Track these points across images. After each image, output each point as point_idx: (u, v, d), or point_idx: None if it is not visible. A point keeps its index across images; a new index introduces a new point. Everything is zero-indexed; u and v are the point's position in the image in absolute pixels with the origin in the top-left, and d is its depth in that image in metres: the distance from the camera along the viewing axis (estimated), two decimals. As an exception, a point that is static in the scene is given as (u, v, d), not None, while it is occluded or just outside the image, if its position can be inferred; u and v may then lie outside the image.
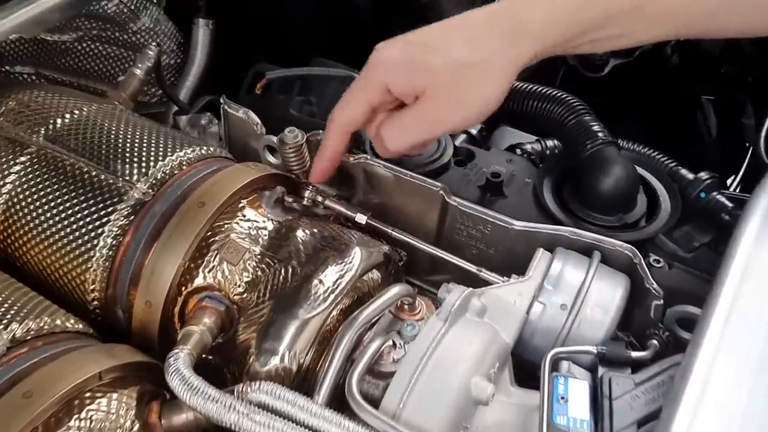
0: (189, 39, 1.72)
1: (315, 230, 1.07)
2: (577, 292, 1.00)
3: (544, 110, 1.25)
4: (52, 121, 1.17)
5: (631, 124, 1.82)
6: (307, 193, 1.16)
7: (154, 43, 1.39)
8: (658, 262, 1.15)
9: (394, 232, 1.14)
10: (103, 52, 1.66)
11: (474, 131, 1.38)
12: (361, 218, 1.15)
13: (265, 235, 1.05)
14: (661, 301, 1.02)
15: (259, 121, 1.28)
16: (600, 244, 1.07)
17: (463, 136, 1.37)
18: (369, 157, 1.21)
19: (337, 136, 1.08)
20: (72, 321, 0.97)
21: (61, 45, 1.66)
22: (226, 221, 1.04)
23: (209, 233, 1.03)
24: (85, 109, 1.20)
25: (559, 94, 1.24)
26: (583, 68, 1.70)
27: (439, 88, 0.95)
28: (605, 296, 1.01)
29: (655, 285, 1.02)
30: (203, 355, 0.97)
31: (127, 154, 1.11)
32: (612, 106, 1.77)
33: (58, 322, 0.93)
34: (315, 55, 1.64)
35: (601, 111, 1.74)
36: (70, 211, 1.06)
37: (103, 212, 1.05)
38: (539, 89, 1.27)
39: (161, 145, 1.13)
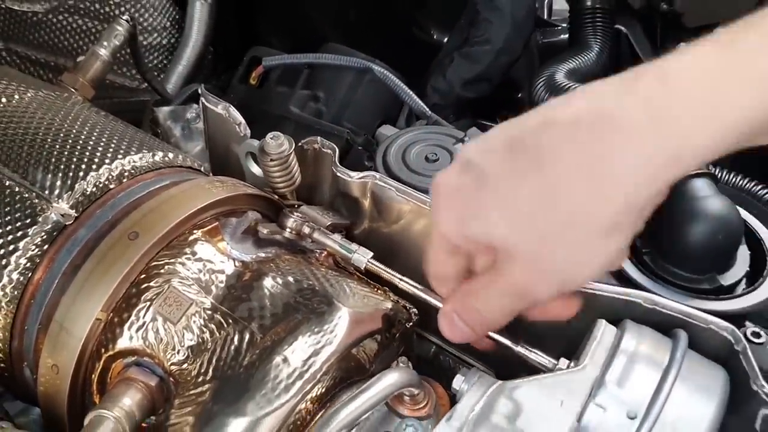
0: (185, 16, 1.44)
1: (291, 278, 0.78)
2: (653, 394, 0.69)
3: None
4: (-32, 110, 0.90)
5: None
6: (290, 222, 0.87)
7: (125, 16, 1.11)
8: (758, 335, 0.85)
9: (402, 283, 0.84)
10: (82, 27, 1.41)
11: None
12: (360, 260, 0.85)
13: (221, 282, 0.77)
14: (774, 410, 0.71)
15: (241, 120, 1.00)
16: (688, 320, 0.77)
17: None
18: (378, 175, 0.92)
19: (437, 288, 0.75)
20: None
21: (32, 17, 1.40)
22: (168, 260, 0.76)
23: (142, 276, 0.75)
24: (17, 96, 0.94)
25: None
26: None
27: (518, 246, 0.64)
28: (695, 402, 0.70)
29: (766, 388, 0.71)
30: None
31: (53, 159, 0.84)
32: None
33: None
34: (340, 39, 1.35)
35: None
36: (-32, 233, 0.80)
37: (10, 237, 0.80)
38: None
39: (100, 149, 0.86)
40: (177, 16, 1.45)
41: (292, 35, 1.53)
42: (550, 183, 0.59)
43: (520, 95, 1.40)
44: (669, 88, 0.55)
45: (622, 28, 1.43)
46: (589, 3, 1.28)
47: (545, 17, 1.46)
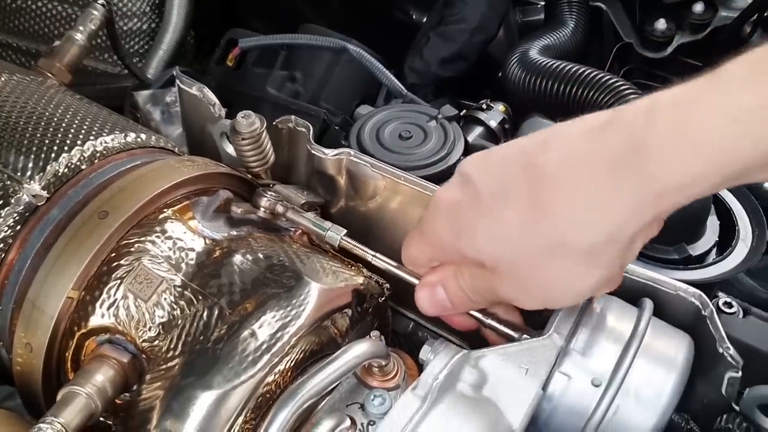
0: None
1: (260, 255, 0.79)
2: (616, 362, 0.70)
3: (584, 99, 0.95)
4: (-58, 95, 0.91)
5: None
6: (263, 201, 0.87)
7: (101, 0, 1.11)
8: (730, 306, 0.87)
9: (375, 260, 0.84)
10: (62, 13, 1.41)
11: (494, 123, 1.07)
12: (333, 238, 0.86)
13: (191, 260, 0.78)
14: (739, 374, 0.73)
15: (216, 101, 1.01)
16: (655, 286, 0.78)
17: (478, 130, 1.07)
18: (352, 151, 0.93)
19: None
20: None
21: (11, 3, 1.41)
22: (138, 239, 0.77)
23: (112, 255, 0.76)
24: (-9, 81, 0.94)
25: (606, 78, 0.94)
26: (641, 46, 1.39)
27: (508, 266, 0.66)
28: (658, 369, 0.71)
29: (732, 351, 0.74)
30: (102, 418, 0.73)
31: (26, 142, 0.85)
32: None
33: None
34: (320, 19, 1.36)
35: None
36: (-58, 214, 0.81)
37: None
38: (578, 70, 0.97)
39: (72, 131, 0.86)
40: (157, 1, 1.45)
41: (274, 18, 1.53)
42: (535, 206, 0.61)
43: (501, 74, 1.41)
44: (653, 124, 0.55)
45: (602, 5, 1.44)
46: (565, -19, 1.28)
47: (526, -5, 1.46)
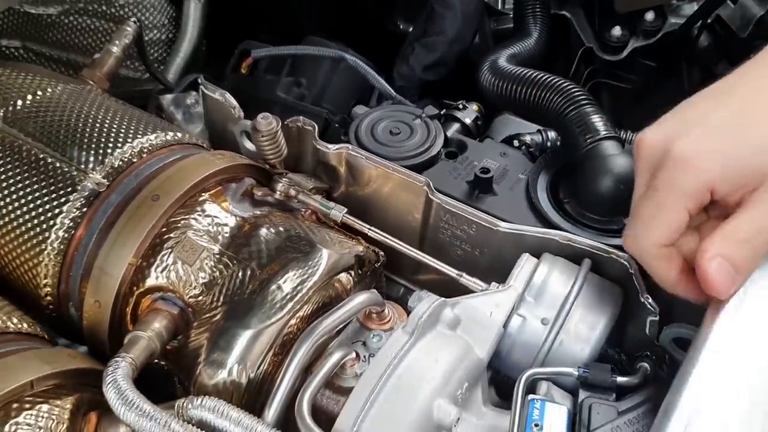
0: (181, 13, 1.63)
1: (281, 228, 0.98)
2: (560, 305, 0.90)
3: (542, 99, 1.14)
4: (12, 102, 1.10)
5: (652, 110, 1.71)
6: (279, 186, 1.07)
7: (133, 18, 1.30)
8: None
9: (371, 232, 1.04)
10: (91, 26, 1.59)
11: (468, 120, 1.27)
12: (336, 215, 1.06)
13: (226, 233, 0.97)
14: (657, 317, 0.92)
15: (236, 104, 1.20)
16: (593, 251, 0.97)
17: (455, 126, 1.27)
18: (351, 147, 1.12)
19: (660, 263, 0.80)
20: (15, 320, 0.90)
21: (46, 18, 1.59)
22: (183, 216, 0.96)
23: (164, 229, 0.95)
24: (50, 90, 1.13)
25: (559, 82, 1.13)
26: (600, 51, 1.58)
27: None
28: (592, 312, 0.91)
29: (650, 300, 0.92)
30: (156, 360, 0.90)
31: (86, 140, 1.04)
32: (633, 90, 1.67)
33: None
34: (320, 31, 1.55)
35: (622, 95, 1.63)
36: (22, 200, 1.00)
37: (55, 203, 0.98)
38: (537, 75, 1.16)
39: (122, 131, 1.05)
40: (174, 14, 1.63)
41: (279, 29, 1.71)
42: None
43: (474, 78, 1.60)
44: None
45: (567, 14, 1.63)
46: (529, -5, 1.48)
47: (499, 7, 1.66)
